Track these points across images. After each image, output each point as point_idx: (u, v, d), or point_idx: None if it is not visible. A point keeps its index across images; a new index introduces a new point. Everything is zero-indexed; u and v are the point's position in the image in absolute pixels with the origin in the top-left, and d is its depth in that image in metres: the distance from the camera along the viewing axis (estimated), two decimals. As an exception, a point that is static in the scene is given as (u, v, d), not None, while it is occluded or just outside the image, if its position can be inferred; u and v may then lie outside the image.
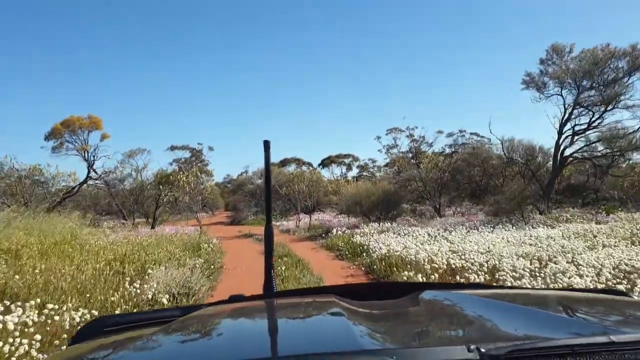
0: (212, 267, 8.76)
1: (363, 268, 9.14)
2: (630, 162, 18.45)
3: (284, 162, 44.82)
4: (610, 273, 5.97)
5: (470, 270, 6.92)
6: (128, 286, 5.60)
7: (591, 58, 15.95)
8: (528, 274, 6.32)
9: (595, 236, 10.21)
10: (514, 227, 12.66)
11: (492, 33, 73.45)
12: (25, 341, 3.68)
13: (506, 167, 21.79)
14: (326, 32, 78.51)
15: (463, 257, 7.78)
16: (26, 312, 4.21)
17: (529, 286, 5.48)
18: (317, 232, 17.25)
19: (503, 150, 18.48)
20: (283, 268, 8.82)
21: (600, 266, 6.32)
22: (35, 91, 59.26)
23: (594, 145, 17.40)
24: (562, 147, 17.94)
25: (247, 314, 1.20)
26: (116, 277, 6.48)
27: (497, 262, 7.30)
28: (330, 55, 79.35)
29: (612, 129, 15.99)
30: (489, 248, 8.61)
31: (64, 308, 4.68)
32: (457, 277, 6.96)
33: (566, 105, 17.94)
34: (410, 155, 33.94)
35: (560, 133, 17.97)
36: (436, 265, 7.39)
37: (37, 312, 4.34)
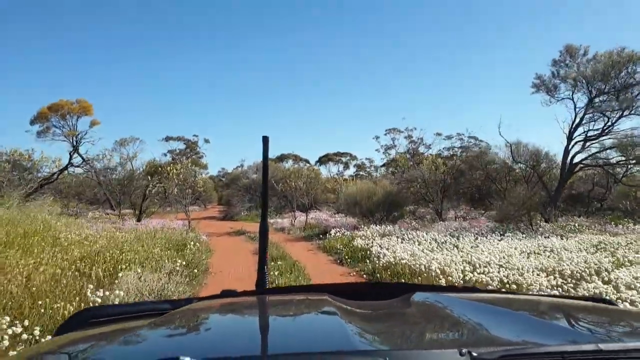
0: (197, 269, 7.82)
1: (365, 276, 8.24)
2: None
3: (281, 158, 44.01)
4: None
5: (490, 287, 6.04)
6: (90, 294, 4.66)
7: (608, 60, 15.11)
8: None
9: (615, 249, 9.41)
10: (523, 236, 11.82)
11: (493, 34, 72.79)
12: None
13: (510, 171, 21.13)
14: (326, 31, 77.55)
15: (479, 269, 6.90)
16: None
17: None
18: (314, 232, 16.33)
19: (511, 154, 17.61)
20: (276, 273, 7.91)
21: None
22: (27, 75, 57.83)
23: (606, 152, 16.63)
24: (571, 153, 17.17)
25: (239, 310, 1.19)
26: (80, 280, 5.54)
27: (519, 277, 6.45)
28: (328, 54, 78.45)
29: (628, 135, 15.18)
30: (505, 259, 7.74)
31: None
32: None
33: (577, 110, 17.17)
34: (408, 156, 33.42)
35: (570, 138, 17.17)
36: (451, 279, 6.51)
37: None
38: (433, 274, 6.81)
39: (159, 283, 5.57)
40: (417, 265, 7.29)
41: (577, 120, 16.72)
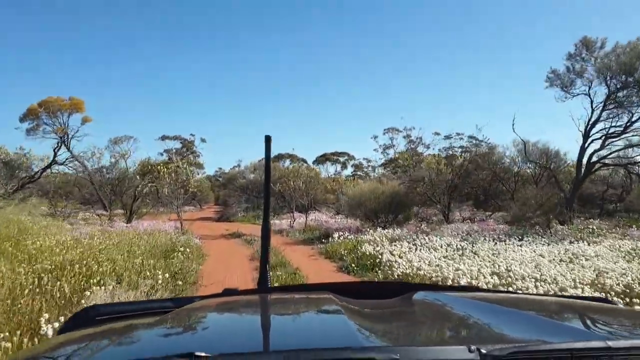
0: (184, 281, 6.81)
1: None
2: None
3: (278, 158, 43.12)
4: None
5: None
6: (44, 325, 3.64)
7: (633, 51, 14.15)
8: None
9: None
10: (545, 240, 10.85)
11: (493, 33, 71.92)
12: None
13: (519, 171, 20.23)
14: (323, 29, 76.53)
15: (513, 284, 5.93)
16: None
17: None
18: (314, 235, 15.33)
19: (524, 152, 16.64)
20: (276, 284, 6.92)
21: None
22: (22, 74, 56.65)
23: (625, 150, 15.67)
24: (588, 152, 16.23)
25: (244, 308, 1.19)
26: (39, 300, 4.53)
27: (561, 294, 5.47)
28: (327, 54, 77.53)
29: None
30: (539, 270, 6.77)
31: None
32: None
33: (594, 106, 16.23)
34: (402, 157, 32.77)
35: (586, 136, 16.22)
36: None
37: None
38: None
39: (135, 304, 4.58)
40: (440, 277, 6.31)
41: (595, 117, 15.79)
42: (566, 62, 16.83)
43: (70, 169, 19.26)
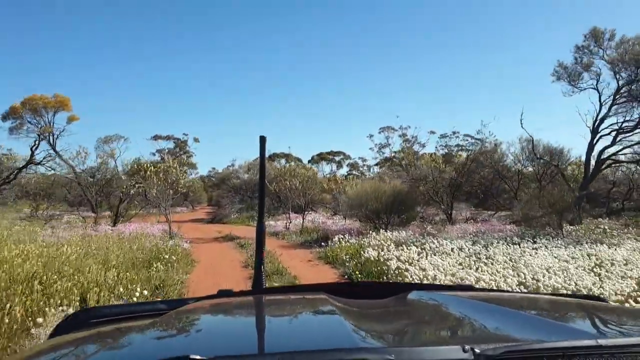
0: (166, 295, 5.92)
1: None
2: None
3: (273, 157, 42.32)
4: None
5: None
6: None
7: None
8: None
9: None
10: (561, 242, 10.06)
11: (493, 33, 71.41)
12: None
13: (522, 169, 19.60)
14: (318, 29, 75.63)
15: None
16: None
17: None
18: (312, 237, 14.45)
19: (532, 149, 15.90)
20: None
21: None
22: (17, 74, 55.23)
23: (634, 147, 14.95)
24: (597, 148, 15.52)
25: (239, 309, 1.18)
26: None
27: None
28: (321, 54, 76.71)
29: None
30: (569, 279, 5.96)
31: None
32: None
33: (602, 101, 15.53)
34: (402, 155, 32.20)
35: (594, 132, 15.51)
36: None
37: None
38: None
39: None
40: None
41: (604, 111, 15.08)
42: (574, 54, 16.13)
43: (48, 169, 18.17)
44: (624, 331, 0.92)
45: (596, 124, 15.31)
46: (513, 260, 7.51)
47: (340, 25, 74.80)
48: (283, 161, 41.23)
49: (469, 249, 8.75)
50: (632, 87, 13.61)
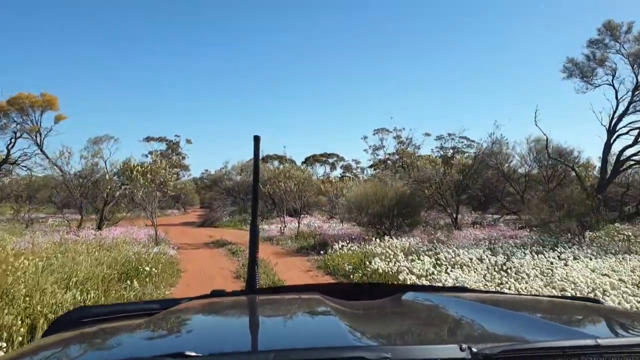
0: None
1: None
2: None
3: (265, 159, 41.25)
4: None
5: None
6: None
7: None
8: None
9: None
10: (587, 251, 9.07)
11: (493, 32, 70.85)
12: None
13: (530, 170, 18.76)
14: (315, 30, 74.75)
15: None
16: None
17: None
18: (309, 243, 13.39)
19: (547, 149, 14.97)
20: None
21: None
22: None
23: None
24: (614, 148, 14.62)
25: (233, 309, 1.17)
26: None
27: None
28: (317, 54, 75.82)
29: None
30: (624, 300, 4.97)
31: None
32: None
33: (619, 98, 14.63)
34: (397, 156, 31.43)
35: (611, 131, 14.60)
36: None
37: None
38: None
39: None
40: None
41: (621, 109, 14.18)
42: (587, 50, 15.23)
43: (23, 168, 16.95)
44: (622, 332, 0.92)
45: (613, 122, 14.43)
46: (545, 274, 6.50)
47: (337, 26, 73.96)
48: (276, 163, 40.19)
49: (489, 259, 7.74)
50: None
